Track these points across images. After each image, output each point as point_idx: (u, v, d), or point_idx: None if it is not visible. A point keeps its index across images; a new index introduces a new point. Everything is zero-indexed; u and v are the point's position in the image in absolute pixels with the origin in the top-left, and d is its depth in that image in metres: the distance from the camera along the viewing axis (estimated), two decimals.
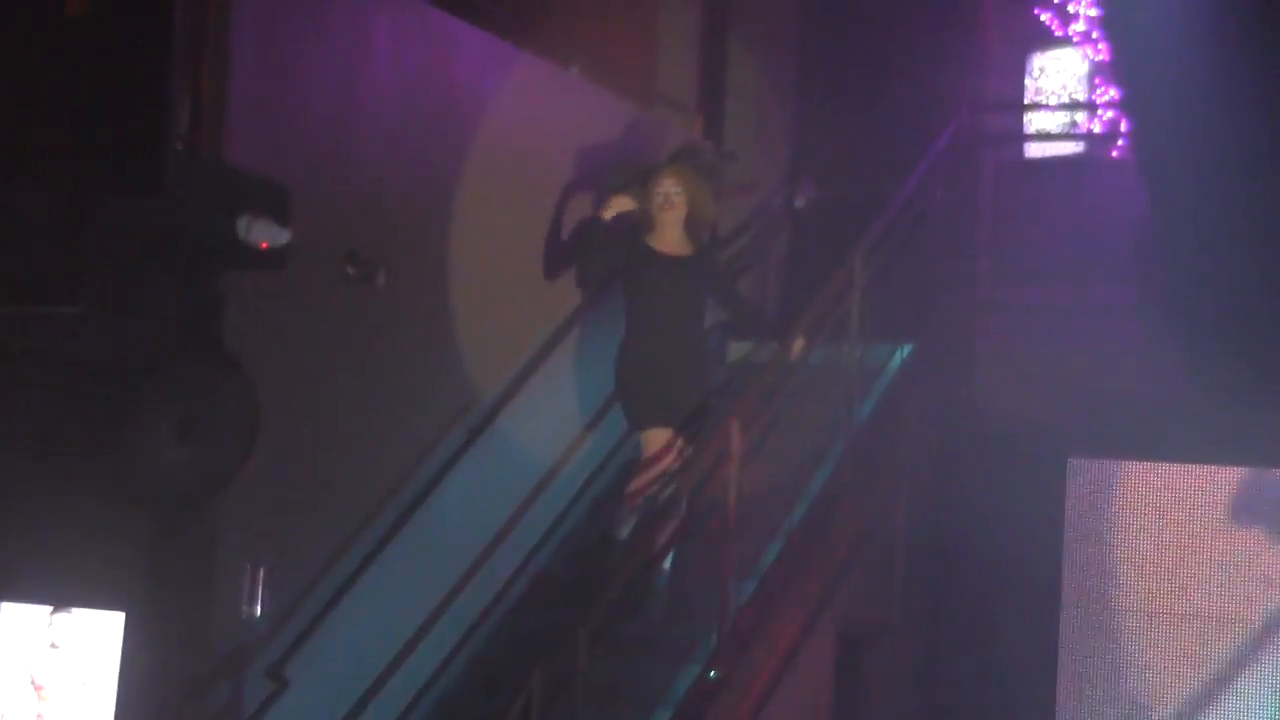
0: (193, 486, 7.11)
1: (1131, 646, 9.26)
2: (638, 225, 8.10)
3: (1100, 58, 10.17)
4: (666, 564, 7.68)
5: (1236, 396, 8.68)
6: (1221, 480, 9.18)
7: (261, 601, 7.28)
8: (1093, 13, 10.09)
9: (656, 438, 7.90)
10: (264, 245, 6.84)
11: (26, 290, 6.19)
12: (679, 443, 7.91)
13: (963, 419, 9.47)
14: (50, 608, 7.02)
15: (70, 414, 7.14)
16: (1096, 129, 10.28)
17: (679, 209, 8.03)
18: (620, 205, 8.06)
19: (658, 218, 8.03)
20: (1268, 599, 9.01)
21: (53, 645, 6.94)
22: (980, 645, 9.44)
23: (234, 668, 7.15)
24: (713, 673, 7.41)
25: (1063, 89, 10.52)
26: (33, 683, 6.87)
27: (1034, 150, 10.54)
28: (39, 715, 6.81)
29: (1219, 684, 9.08)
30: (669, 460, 7.88)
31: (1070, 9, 10.30)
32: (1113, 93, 10.03)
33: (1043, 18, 10.36)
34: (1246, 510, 9.07)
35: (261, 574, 7.30)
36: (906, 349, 8.98)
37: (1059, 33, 10.38)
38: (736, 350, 9.18)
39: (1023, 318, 9.54)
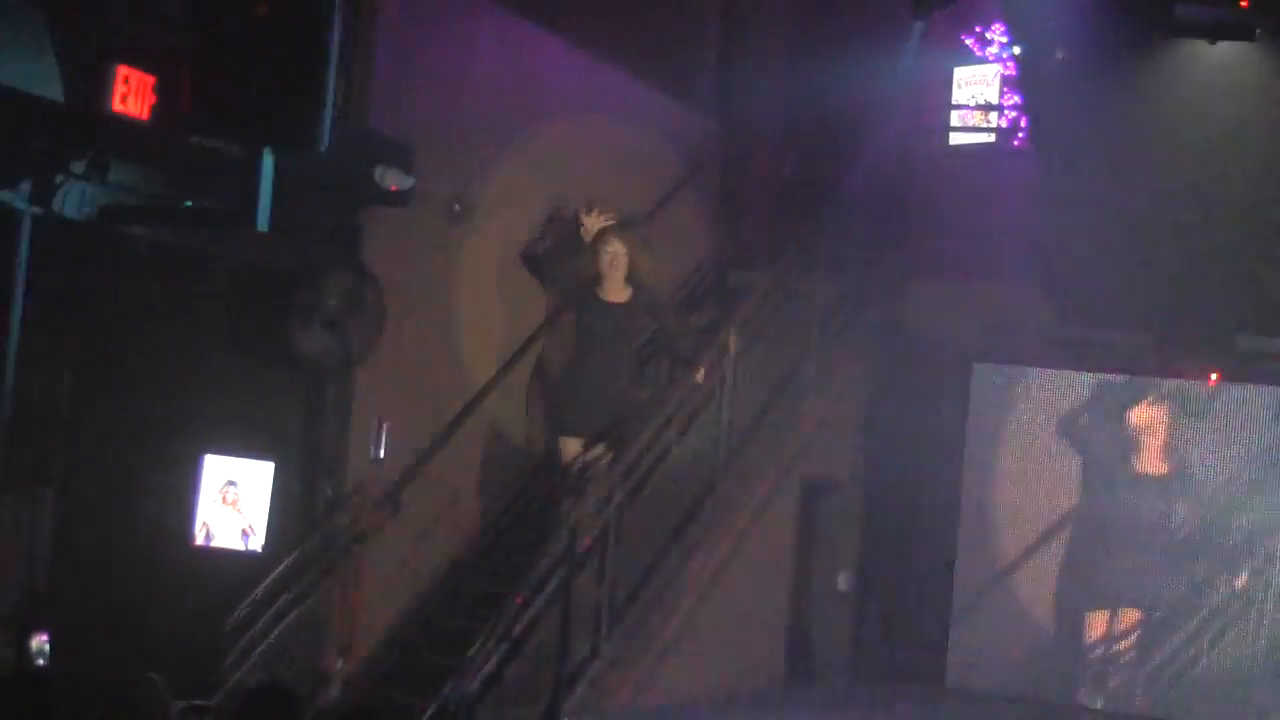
0: (336, 363, 8.63)
1: (1019, 497, 10.99)
2: (587, 276, 9.23)
3: (1008, 72, 11.93)
4: None
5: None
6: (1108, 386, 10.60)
7: (384, 446, 8.88)
8: (1003, 39, 11.91)
9: (570, 446, 9.05)
10: (394, 188, 8.39)
11: (221, 216, 7.64)
12: (599, 448, 8.95)
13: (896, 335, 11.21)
14: (233, 456, 8.60)
15: (247, 309, 8.59)
16: (1003, 125, 11.93)
17: (622, 268, 9.14)
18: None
19: (606, 273, 9.14)
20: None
21: (231, 482, 8.57)
22: (905, 496, 11.34)
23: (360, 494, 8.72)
24: None
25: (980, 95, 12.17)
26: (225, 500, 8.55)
27: (955, 139, 12.14)
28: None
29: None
30: (596, 454, 8.95)
31: (988, 35, 12.10)
32: (1015, 99, 11.80)
33: (966, 41, 12.13)
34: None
35: (384, 426, 8.88)
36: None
37: (978, 53, 12.14)
38: None
39: (943, 257, 11.24)
